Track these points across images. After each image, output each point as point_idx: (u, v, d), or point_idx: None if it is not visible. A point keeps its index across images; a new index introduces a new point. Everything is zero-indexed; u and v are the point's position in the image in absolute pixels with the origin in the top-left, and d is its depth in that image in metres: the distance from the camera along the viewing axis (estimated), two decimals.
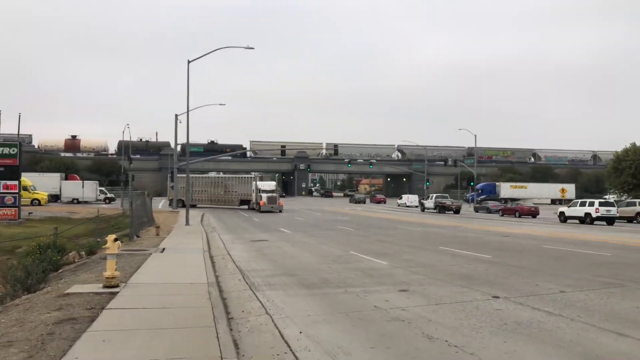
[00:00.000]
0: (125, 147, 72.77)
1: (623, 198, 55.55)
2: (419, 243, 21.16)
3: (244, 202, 52.52)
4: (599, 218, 35.19)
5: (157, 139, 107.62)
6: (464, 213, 52.85)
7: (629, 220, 38.41)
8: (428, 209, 54.73)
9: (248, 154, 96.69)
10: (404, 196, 73.32)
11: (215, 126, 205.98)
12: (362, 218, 41.86)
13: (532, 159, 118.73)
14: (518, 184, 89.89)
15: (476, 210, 56.97)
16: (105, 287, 9.99)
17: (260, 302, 9.75)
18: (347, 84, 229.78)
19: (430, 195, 59.09)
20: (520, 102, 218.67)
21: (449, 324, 7.90)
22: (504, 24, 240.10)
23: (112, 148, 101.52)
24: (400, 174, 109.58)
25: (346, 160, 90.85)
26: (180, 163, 53.96)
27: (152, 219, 32.74)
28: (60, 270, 16.60)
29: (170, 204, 52.85)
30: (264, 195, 47.95)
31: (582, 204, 37.18)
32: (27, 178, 55.45)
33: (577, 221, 36.87)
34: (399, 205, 71.29)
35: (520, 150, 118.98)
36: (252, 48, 32.89)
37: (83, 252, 21.42)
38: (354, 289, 10.91)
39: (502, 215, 48.14)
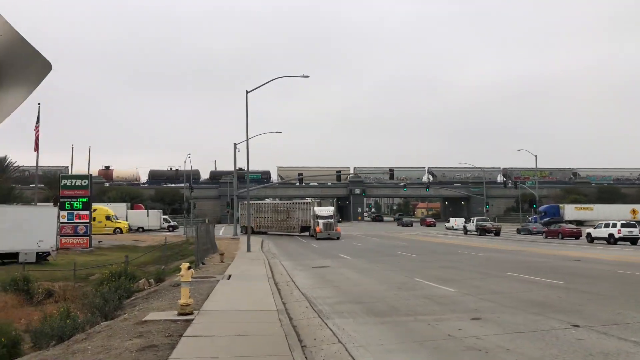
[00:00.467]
0: (187, 177, 75.32)
1: None
2: (484, 269, 20.59)
3: (305, 228, 50.95)
4: (621, 239, 36.51)
5: (215, 168, 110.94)
6: (505, 235, 52.91)
7: None
8: (470, 231, 56.27)
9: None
10: (452, 219, 75.03)
11: (271, 154, 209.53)
12: (421, 243, 41.23)
13: (573, 177, 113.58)
14: (583, 205, 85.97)
15: (518, 232, 56.69)
16: (179, 314, 10.30)
17: (331, 330, 9.76)
18: (396, 109, 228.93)
19: (472, 218, 59.80)
20: (564, 122, 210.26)
21: (529, 354, 7.63)
22: (553, 42, 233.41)
23: (144, 177, 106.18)
24: (459, 197, 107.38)
25: (402, 184, 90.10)
26: (239, 191, 55.29)
27: (214, 246, 33.57)
28: (132, 298, 17.27)
29: (240, 232, 53.61)
30: (321, 222, 46.25)
31: (606, 226, 38.52)
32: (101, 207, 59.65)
33: (604, 242, 37.60)
34: (447, 229, 71.42)
35: (559, 170, 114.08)
36: (307, 76, 33.66)
37: (152, 280, 22.21)
38: (424, 317, 10.73)
39: (546, 237, 47.68)
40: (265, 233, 54.69)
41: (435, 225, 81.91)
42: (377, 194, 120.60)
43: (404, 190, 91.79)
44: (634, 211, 59.72)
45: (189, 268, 10.54)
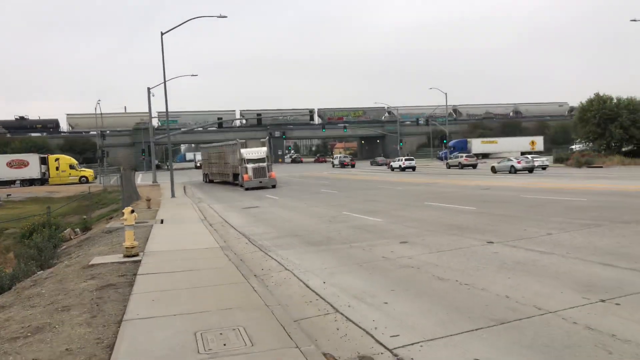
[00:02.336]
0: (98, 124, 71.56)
1: (589, 147, 57.72)
2: (404, 200, 22.08)
3: (236, 176, 41.10)
4: (522, 169, 41.45)
5: (125, 111, 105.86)
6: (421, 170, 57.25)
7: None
8: (395, 168, 59.15)
9: (238, 122, 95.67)
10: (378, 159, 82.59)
11: (187, 97, 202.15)
12: (343, 181, 42.75)
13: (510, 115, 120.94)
14: (488, 139, 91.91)
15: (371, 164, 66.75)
16: (126, 256, 10.53)
17: (275, 260, 10.46)
18: (312, 49, 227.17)
19: (399, 158, 62.83)
20: (490, 58, 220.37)
21: (455, 267, 8.76)
22: None
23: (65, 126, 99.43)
24: (374, 136, 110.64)
25: (318, 124, 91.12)
26: (156, 137, 53.60)
27: (137, 193, 32.97)
28: (64, 247, 17.00)
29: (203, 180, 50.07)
30: (249, 167, 36.62)
31: (509, 160, 44.12)
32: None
33: (507, 173, 42.07)
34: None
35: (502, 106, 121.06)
36: (225, 17, 32.73)
37: (77, 229, 21.76)
38: (359, 244, 11.71)
39: (449, 168, 55.33)
40: (212, 182, 48.41)
41: (353, 166, 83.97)
42: (296, 136, 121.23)
43: (322, 131, 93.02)
44: (532, 142, 64.89)
45: (132, 212, 10.69)
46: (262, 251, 11.73)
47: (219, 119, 65.54)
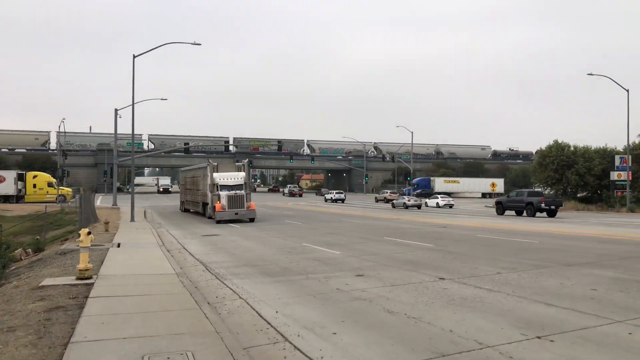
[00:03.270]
0: (60, 143, 70.09)
1: (547, 191, 59.75)
2: (364, 234, 22.40)
3: (206, 205, 34.39)
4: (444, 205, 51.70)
5: (90, 131, 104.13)
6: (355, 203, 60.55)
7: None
8: (328, 199, 66.57)
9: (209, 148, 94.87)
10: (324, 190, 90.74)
11: (153, 121, 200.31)
12: (307, 212, 42.92)
13: (436, 155, 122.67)
14: (451, 178, 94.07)
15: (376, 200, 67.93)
16: (78, 279, 10.39)
17: (230, 289, 10.49)
18: (279, 81, 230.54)
19: (332, 191, 72.85)
20: (454, 99, 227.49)
21: (405, 301, 9.00)
22: (437, 26, 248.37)
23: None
24: (341, 170, 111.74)
25: (287, 156, 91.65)
26: (120, 159, 52.79)
27: (95, 215, 32.34)
28: (13, 267, 16.52)
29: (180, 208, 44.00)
30: (223, 195, 29.95)
31: (434, 197, 54.47)
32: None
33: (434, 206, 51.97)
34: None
35: (425, 146, 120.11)
36: (199, 44, 33.11)
37: (29, 250, 21.16)
38: (315, 275, 11.86)
39: (394, 207, 54.32)
40: (188, 211, 41.56)
41: (301, 196, 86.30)
42: (263, 165, 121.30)
43: (290, 162, 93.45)
44: (493, 184, 66.78)
45: (89, 234, 10.60)
46: (218, 279, 11.73)
47: (185, 144, 65.26)
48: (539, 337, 6.72)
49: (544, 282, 10.75)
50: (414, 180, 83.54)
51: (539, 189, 58.77)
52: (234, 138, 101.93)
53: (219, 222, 29.57)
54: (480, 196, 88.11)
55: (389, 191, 69.36)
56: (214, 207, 30.52)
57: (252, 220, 30.55)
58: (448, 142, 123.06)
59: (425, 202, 55.60)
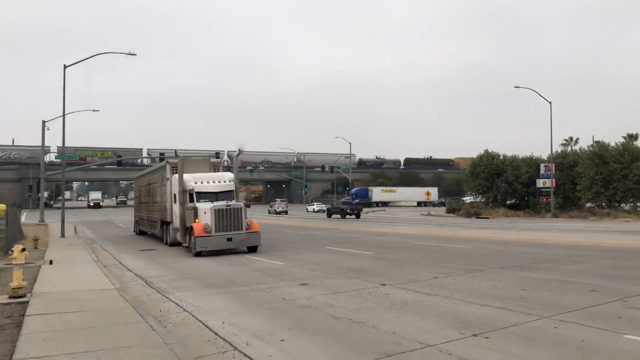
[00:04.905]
0: None
1: (478, 199, 62.39)
2: (306, 244, 22.63)
3: (166, 225, 24.11)
4: (350, 213, 52.04)
5: (13, 144, 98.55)
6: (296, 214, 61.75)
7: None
8: (271, 212, 66.30)
9: (146, 160, 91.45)
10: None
11: (84, 134, 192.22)
12: None
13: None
14: (388, 188, 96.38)
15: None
16: (11, 297, 9.95)
17: (174, 302, 10.38)
18: (226, 92, 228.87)
19: (275, 200, 74.40)
20: (391, 111, 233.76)
21: (349, 307, 9.28)
22: (373, 42, 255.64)
23: None
24: (280, 181, 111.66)
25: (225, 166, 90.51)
26: (48, 172, 50.51)
27: (21, 232, 30.72)
28: None
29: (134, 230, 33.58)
30: (207, 207, 19.16)
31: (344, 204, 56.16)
32: None
33: (339, 216, 52.16)
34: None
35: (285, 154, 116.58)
36: (134, 54, 32.19)
37: None
38: (259, 286, 11.93)
39: (330, 216, 54.29)
40: (144, 233, 30.57)
41: (249, 207, 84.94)
42: None
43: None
44: (427, 193, 69.02)
45: (23, 250, 10.19)
46: (160, 293, 11.56)
47: (118, 156, 63.19)
48: (475, 335, 7.17)
49: (477, 285, 11.37)
50: (353, 190, 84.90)
51: (349, 199, 63.71)
52: (156, 149, 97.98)
53: (199, 253, 18.46)
54: (416, 204, 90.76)
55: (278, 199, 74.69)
56: (189, 228, 19.62)
57: (253, 249, 19.46)
58: (311, 151, 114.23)
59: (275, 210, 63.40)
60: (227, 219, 18.82)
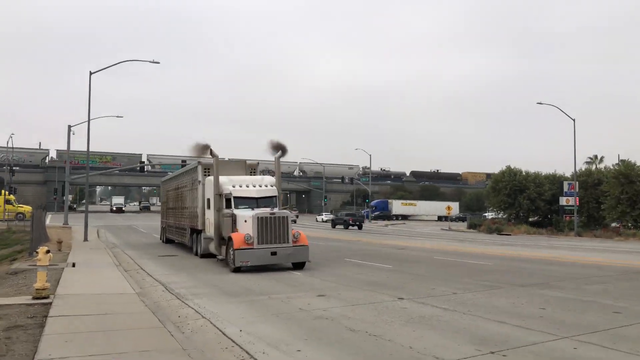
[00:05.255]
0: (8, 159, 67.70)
1: (500, 215, 61.64)
2: (325, 255, 22.64)
3: (196, 231, 22.17)
4: (352, 224, 53.87)
5: (39, 147, 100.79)
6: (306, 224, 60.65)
7: None
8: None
9: (145, 167, 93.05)
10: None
11: (109, 138, 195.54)
12: None
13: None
14: (408, 201, 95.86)
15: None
16: (35, 298, 10.18)
17: (192, 308, 10.48)
18: (242, 101, 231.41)
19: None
20: (412, 124, 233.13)
21: (366, 320, 9.27)
22: (392, 55, 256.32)
23: None
24: (300, 191, 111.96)
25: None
26: (73, 176, 51.54)
27: (46, 234, 31.34)
28: None
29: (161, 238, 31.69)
30: (248, 215, 16.91)
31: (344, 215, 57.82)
32: None
33: (342, 226, 54.28)
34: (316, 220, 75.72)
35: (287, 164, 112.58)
36: (158, 62, 32.79)
37: None
38: (278, 296, 11.99)
39: (334, 227, 55.68)
40: (172, 242, 28.72)
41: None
42: None
43: None
44: (448, 207, 68.60)
45: (48, 252, 10.43)
46: (179, 299, 11.68)
47: (140, 162, 64.11)
48: (492, 352, 7.10)
49: (496, 302, 11.24)
50: (372, 202, 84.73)
51: (367, 212, 62.94)
52: (157, 155, 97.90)
53: (238, 269, 16.20)
54: (437, 219, 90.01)
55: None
56: (227, 239, 17.21)
57: (300, 266, 17.10)
58: (314, 161, 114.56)
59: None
60: (272, 230, 16.56)
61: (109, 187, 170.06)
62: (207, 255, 20.04)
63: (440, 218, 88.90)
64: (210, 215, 19.21)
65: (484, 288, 13.30)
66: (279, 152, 19.47)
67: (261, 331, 8.40)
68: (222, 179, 18.63)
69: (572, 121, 45.85)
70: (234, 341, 7.75)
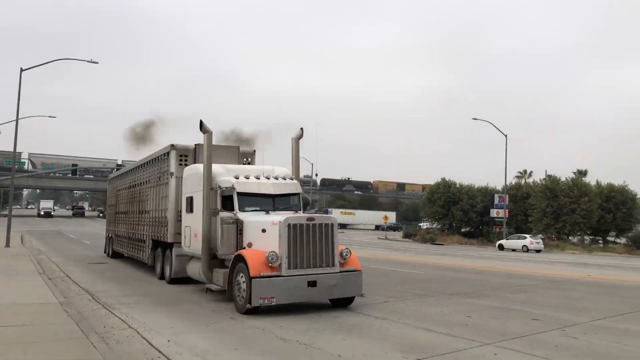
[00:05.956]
0: None
1: (435, 225, 63.57)
2: None
3: (159, 244, 16.52)
4: None
5: None
6: None
7: None
8: None
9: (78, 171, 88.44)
10: None
11: (36, 140, 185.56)
12: None
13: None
14: (348, 210, 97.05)
15: None
16: None
17: (119, 318, 10.11)
18: (190, 105, 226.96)
19: None
20: (350, 136, 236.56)
21: (298, 329, 9.28)
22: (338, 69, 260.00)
23: None
24: None
25: None
26: None
27: None
28: None
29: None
30: (279, 223, 10.58)
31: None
32: None
33: None
34: None
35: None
36: (97, 62, 31.67)
37: None
38: (209, 305, 11.79)
39: None
40: (121, 256, 22.98)
41: None
42: None
43: None
44: (385, 217, 69.99)
45: None
46: (105, 309, 11.24)
47: (73, 165, 61.48)
48: (418, 359, 7.30)
49: (426, 310, 11.57)
50: (312, 211, 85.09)
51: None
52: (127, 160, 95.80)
53: (255, 310, 10.50)
54: (374, 228, 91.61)
55: None
56: (230, 259, 11.36)
57: (347, 302, 11.74)
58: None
59: None
60: (310, 246, 10.73)
61: (38, 191, 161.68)
62: (181, 280, 14.93)
63: (377, 227, 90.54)
64: (192, 221, 13.37)
65: (415, 297, 13.65)
66: (299, 132, 14.15)
67: (190, 341, 8.23)
68: (217, 167, 12.88)
69: (505, 137, 48.09)
70: (160, 352, 7.54)
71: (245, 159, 16.28)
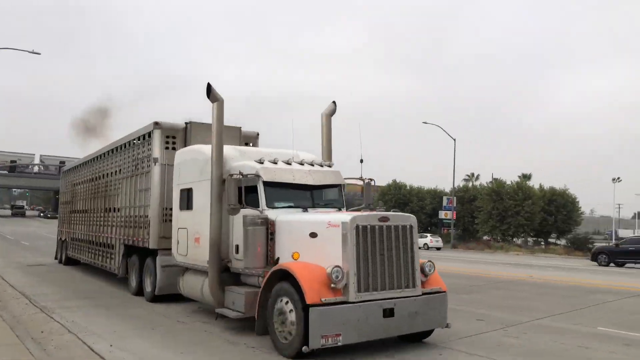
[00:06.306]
0: None
1: None
2: None
3: (134, 249, 13.39)
4: None
5: None
6: None
7: None
8: None
9: (36, 168, 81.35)
10: None
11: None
12: None
13: None
14: None
15: None
16: None
17: (59, 322, 9.71)
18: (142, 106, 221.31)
19: None
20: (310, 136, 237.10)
21: (248, 332, 9.16)
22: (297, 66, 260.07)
23: None
24: None
25: None
26: None
27: None
28: None
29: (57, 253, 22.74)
30: (338, 224, 7.56)
31: None
32: None
33: None
34: None
35: None
36: (39, 54, 30.37)
37: None
38: (157, 308, 11.48)
39: None
40: (77, 262, 19.70)
41: None
42: None
43: None
44: None
45: None
46: (44, 313, 10.77)
47: (12, 161, 58.56)
48: None
49: None
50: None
51: None
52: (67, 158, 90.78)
53: (307, 355, 7.13)
54: None
55: None
56: (283, 278, 7.63)
57: (426, 335, 8.55)
58: None
59: None
60: (385, 257, 7.81)
61: None
62: (165, 297, 11.95)
63: None
64: (191, 221, 10.40)
65: None
66: (331, 106, 11.60)
67: (134, 346, 8.00)
68: (228, 149, 9.90)
69: (453, 141, 49.35)
70: (102, 357, 7.30)
71: (247, 145, 13.22)
